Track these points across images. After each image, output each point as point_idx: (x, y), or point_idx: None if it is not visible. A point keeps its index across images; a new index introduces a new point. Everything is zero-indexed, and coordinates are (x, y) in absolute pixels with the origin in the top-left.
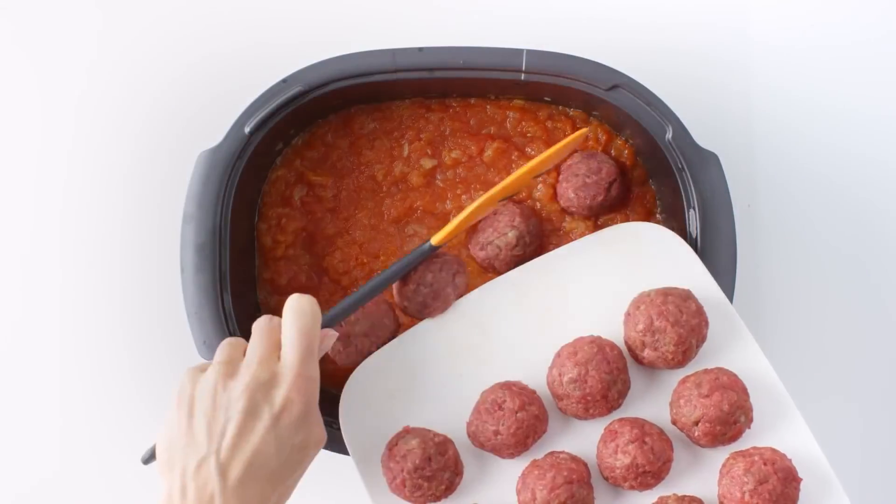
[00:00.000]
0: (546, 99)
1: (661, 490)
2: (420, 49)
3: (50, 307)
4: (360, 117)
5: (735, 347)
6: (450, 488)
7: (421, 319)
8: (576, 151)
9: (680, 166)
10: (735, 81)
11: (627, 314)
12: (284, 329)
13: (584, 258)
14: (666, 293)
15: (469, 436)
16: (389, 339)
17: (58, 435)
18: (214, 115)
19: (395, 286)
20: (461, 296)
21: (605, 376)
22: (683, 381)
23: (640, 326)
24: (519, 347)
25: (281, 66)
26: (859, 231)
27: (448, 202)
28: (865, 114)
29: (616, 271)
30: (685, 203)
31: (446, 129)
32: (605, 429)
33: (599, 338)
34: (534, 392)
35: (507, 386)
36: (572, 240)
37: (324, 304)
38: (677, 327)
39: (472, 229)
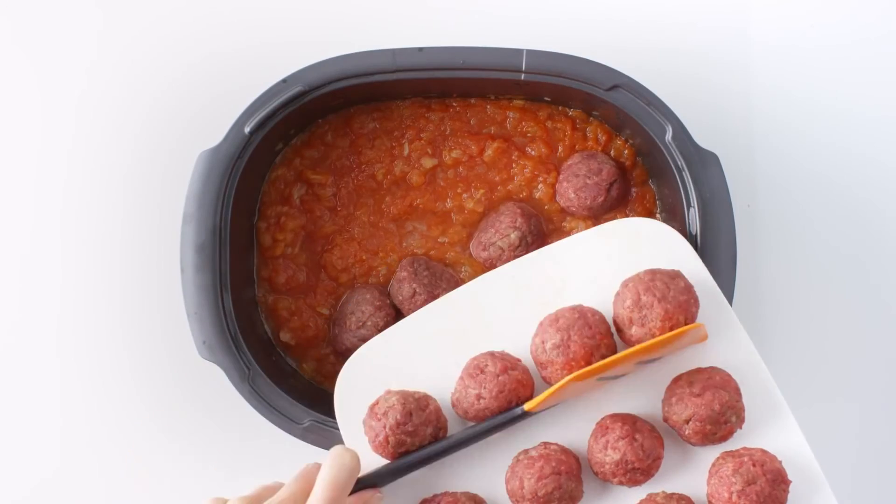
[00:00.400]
0: (546, 99)
1: (651, 487)
2: (420, 49)
3: (50, 307)
4: (360, 117)
5: (729, 346)
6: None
7: None
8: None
9: (680, 166)
10: (735, 81)
11: (616, 294)
12: (318, 476)
13: (583, 252)
14: (654, 272)
15: (453, 404)
16: None
17: (58, 435)
18: (214, 115)
19: None
20: None
21: (587, 340)
22: (676, 379)
23: (628, 303)
24: (515, 338)
25: (281, 66)
26: (859, 231)
27: (448, 201)
28: (865, 114)
29: (613, 265)
30: (685, 203)
31: (447, 129)
32: (596, 424)
33: (581, 305)
34: (518, 360)
35: (491, 353)
36: None
37: (322, 303)
38: (664, 302)
39: (474, 230)
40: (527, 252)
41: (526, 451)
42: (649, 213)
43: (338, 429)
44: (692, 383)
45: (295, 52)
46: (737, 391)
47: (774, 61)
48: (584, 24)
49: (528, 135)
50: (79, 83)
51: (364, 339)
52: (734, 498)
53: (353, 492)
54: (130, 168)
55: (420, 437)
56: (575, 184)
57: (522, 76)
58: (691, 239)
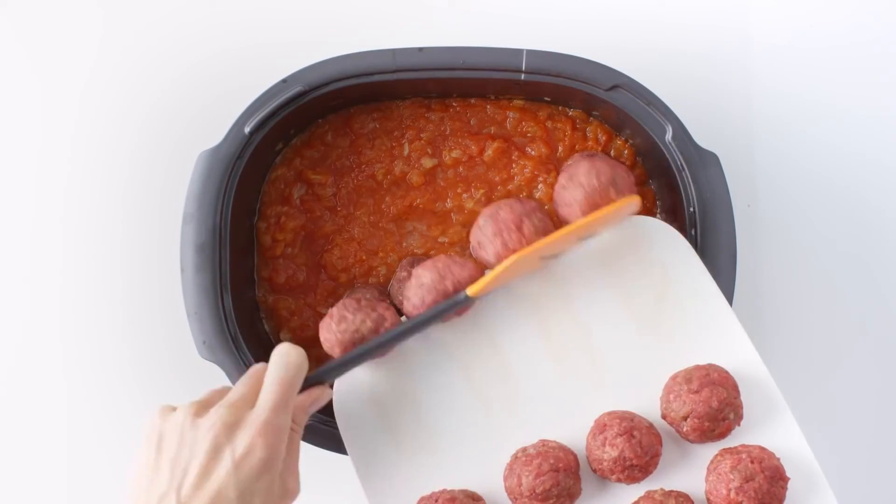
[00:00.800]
0: (546, 99)
1: (649, 484)
2: (420, 49)
3: (50, 307)
4: (360, 117)
5: (727, 343)
6: None
7: None
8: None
9: (680, 166)
10: (735, 81)
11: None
12: (266, 376)
13: (587, 265)
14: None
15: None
16: None
17: (57, 434)
18: (214, 115)
19: None
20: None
21: (517, 206)
22: (674, 376)
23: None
24: (524, 359)
25: (281, 66)
26: (859, 231)
27: (448, 201)
28: (865, 114)
29: (605, 258)
30: (685, 203)
31: (447, 129)
32: (594, 421)
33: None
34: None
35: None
36: None
37: (321, 302)
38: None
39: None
40: None
41: (524, 449)
42: (649, 213)
43: (338, 429)
44: (690, 380)
45: (295, 52)
46: (735, 388)
47: (774, 61)
48: (584, 24)
49: (528, 135)
50: (79, 83)
51: None
52: (732, 495)
53: (303, 390)
54: (131, 168)
55: (366, 332)
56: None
57: (522, 76)
58: (691, 239)
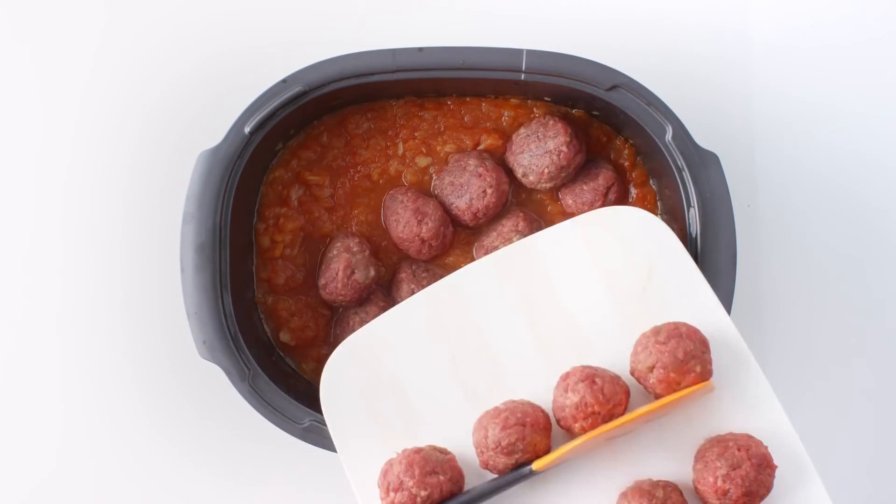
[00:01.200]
0: (546, 99)
1: (637, 474)
2: (420, 49)
3: (50, 307)
4: (354, 117)
5: (704, 314)
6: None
7: None
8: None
9: (680, 166)
10: (735, 81)
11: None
12: None
13: (560, 236)
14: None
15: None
16: None
17: (57, 434)
18: (214, 115)
19: None
20: None
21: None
22: (644, 333)
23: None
24: (501, 328)
25: (281, 66)
26: (859, 231)
27: None
28: (865, 114)
29: (591, 251)
30: (685, 203)
31: (441, 127)
32: (559, 376)
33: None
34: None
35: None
36: None
37: (322, 304)
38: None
39: (476, 234)
40: None
41: (496, 407)
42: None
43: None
44: (658, 332)
45: (295, 52)
46: (703, 343)
47: (774, 61)
48: (584, 24)
49: None
50: (79, 83)
51: None
52: (719, 482)
53: None
54: (131, 168)
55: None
56: (572, 190)
57: (522, 76)
58: (691, 239)
